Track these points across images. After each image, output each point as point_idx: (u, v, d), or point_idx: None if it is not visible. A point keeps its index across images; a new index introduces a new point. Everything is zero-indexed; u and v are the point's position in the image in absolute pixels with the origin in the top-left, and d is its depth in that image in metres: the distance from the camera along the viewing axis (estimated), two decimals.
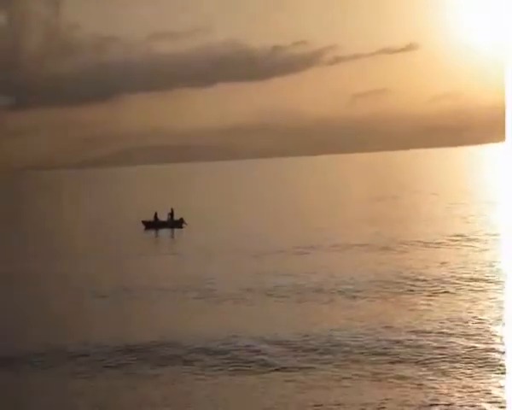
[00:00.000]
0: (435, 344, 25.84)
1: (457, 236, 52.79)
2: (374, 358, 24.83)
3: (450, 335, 26.90)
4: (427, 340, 26.37)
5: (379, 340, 26.56)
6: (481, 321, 28.58)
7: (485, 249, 46.52)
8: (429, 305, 32.07)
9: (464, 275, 37.88)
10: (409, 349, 25.44)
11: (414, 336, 26.81)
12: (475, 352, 24.93)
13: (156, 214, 74.64)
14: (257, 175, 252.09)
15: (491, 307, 30.96)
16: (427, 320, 29.09)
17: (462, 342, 25.97)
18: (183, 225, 72.68)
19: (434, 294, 34.23)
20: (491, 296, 32.91)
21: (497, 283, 35.30)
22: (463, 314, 29.87)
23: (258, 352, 26.34)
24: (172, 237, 68.33)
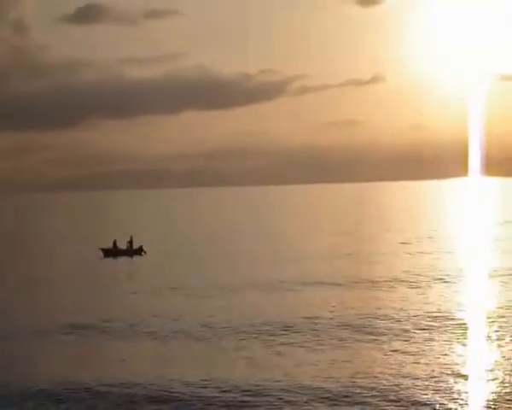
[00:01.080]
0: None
1: (412, 274, 51.82)
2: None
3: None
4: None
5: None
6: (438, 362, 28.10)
7: (445, 287, 46.08)
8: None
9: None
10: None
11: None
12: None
13: (115, 242, 73.70)
14: (219, 204, 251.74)
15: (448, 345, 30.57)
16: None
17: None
18: (142, 253, 71.99)
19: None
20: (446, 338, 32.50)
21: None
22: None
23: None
24: (131, 266, 67.46)
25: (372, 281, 49.01)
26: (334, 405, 23.79)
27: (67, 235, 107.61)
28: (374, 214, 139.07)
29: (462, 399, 23.93)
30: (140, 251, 71.99)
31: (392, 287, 46.67)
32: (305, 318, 36.71)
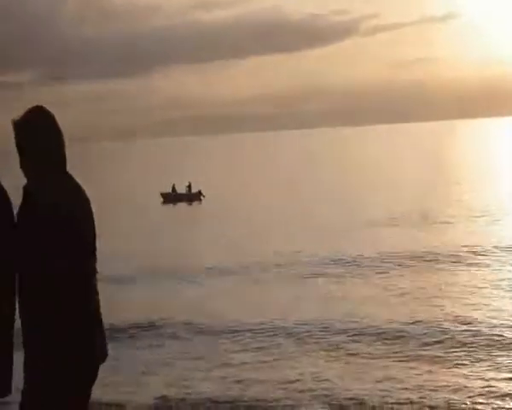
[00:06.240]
0: None
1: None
2: None
3: None
4: None
5: None
6: None
7: None
8: None
9: None
10: None
11: None
12: None
13: (174, 186, 73.37)
14: (291, 147, 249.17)
15: None
16: None
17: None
18: (201, 197, 71.26)
19: None
20: None
21: None
22: None
23: None
24: (190, 210, 66.69)
25: None
26: None
27: (131, 183, 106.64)
28: (459, 154, 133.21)
29: None
30: (199, 195, 71.42)
31: None
32: None
